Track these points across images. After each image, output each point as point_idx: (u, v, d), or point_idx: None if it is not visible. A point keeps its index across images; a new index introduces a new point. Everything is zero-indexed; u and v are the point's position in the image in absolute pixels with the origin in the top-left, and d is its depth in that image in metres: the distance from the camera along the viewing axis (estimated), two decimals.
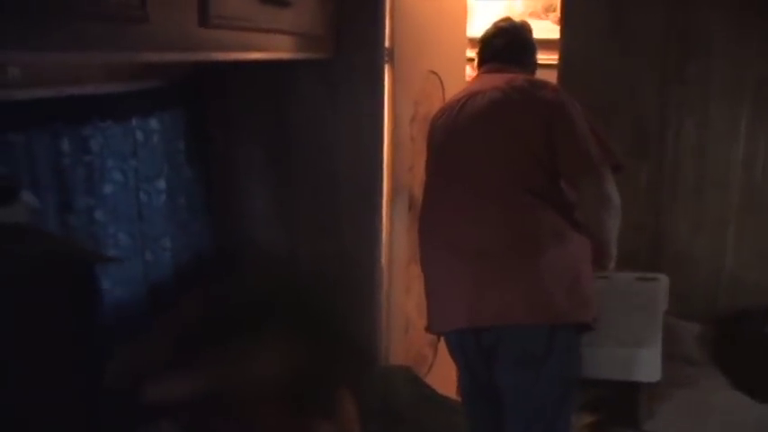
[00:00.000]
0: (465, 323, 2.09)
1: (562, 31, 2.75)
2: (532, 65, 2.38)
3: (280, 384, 2.48)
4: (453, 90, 2.45)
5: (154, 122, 2.48)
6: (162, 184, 2.52)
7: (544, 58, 2.51)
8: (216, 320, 2.82)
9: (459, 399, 2.47)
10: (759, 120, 2.68)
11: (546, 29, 2.92)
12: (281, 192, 3.05)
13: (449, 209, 2.19)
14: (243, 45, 1.98)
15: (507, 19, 2.50)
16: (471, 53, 3.49)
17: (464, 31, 3.43)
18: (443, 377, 3.53)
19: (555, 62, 2.76)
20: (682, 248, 2.82)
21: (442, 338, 3.14)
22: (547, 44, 2.57)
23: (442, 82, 3.23)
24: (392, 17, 2.89)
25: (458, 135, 2.21)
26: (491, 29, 2.45)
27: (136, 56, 1.44)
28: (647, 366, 2.41)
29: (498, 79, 2.21)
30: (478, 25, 2.58)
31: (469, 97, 2.22)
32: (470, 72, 3.70)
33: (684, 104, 2.70)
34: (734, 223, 2.77)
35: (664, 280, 2.47)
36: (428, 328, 2.32)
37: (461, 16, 3.40)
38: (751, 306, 2.77)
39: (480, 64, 2.43)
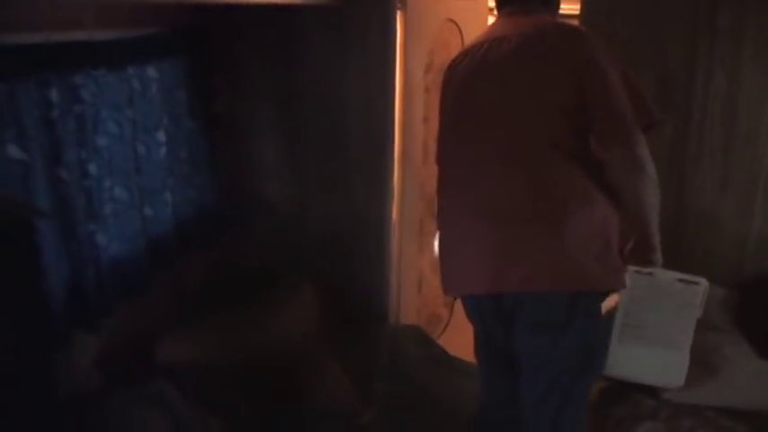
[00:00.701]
0: (486, 288, 1.97)
1: None
2: (557, 3, 2.20)
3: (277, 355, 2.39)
4: (473, 38, 2.28)
5: (152, 71, 2.38)
6: (161, 136, 2.42)
7: (566, 8, 2.34)
8: (221, 283, 2.76)
9: (474, 361, 2.38)
10: None
11: None
12: (288, 145, 2.96)
13: (469, 165, 2.04)
14: None
15: None
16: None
17: None
18: (460, 339, 3.43)
19: (577, 12, 2.58)
20: (706, 208, 2.67)
21: (458, 299, 3.06)
22: None
23: (461, 30, 3.08)
24: None
25: (479, 85, 2.03)
26: None
27: None
28: (673, 371, 2.33)
29: (524, 24, 2.02)
30: None
31: (492, 43, 2.04)
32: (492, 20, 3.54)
33: (715, 55, 2.51)
34: (763, 183, 2.61)
35: (704, 285, 2.34)
36: (444, 290, 2.20)
37: None
38: None
39: (501, 4, 2.23)
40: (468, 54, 2.12)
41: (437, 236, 2.19)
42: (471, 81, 2.06)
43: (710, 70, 2.54)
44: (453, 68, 2.18)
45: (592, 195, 1.88)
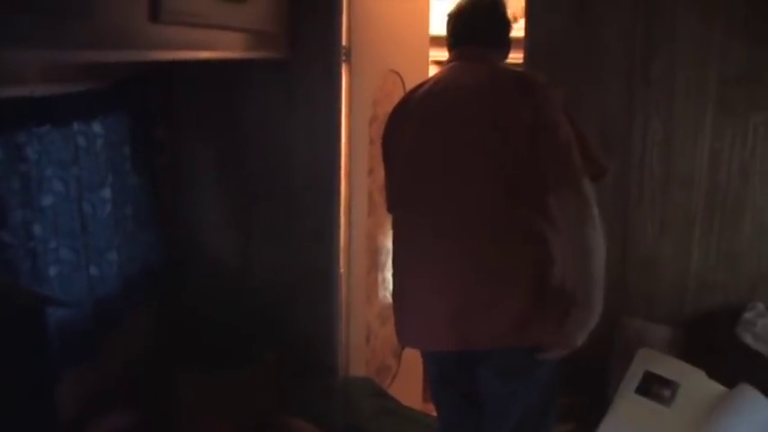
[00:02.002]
0: (455, 346, 1.97)
1: (526, 28, 2.65)
2: (508, 45, 2.23)
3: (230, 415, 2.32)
4: None
5: (97, 126, 2.30)
6: (107, 193, 2.34)
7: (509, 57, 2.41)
8: (168, 343, 2.66)
9: (426, 410, 2.36)
10: (723, 119, 2.63)
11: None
12: (233, 197, 2.91)
13: (427, 215, 2.04)
14: (195, 43, 1.84)
15: None
16: (435, 53, 3.40)
17: (426, 27, 3.32)
18: (409, 388, 3.43)
19: (520, 60, 2.66)
20: (647, 250, 2.76)
21: (405, 348, 3.04)
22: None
23: (403, 81, 3.12)
24: (349, 15, 2.77)
25: (436, 136, 2.00)
26: (465, 3, 2.17)
27: (79, 55, 1.28)
28: None
29: (479, 73, 2.05)
30: (441, 23, 2.45)
31: (446, 93, 2.05)
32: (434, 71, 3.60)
33: (650, 102, 2.64)
34: (699, 225, 2.72)
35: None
36: (401, 341, 2.18)
37: (423, 14, 3.29)
38: (718, 308, 2.74)
39: (453, 45, 2.19)
40: (417, 100, 2.12)
41: (391, 284, 2.18)
42: (427, 130, 2.05)
43: (647, 119, 2.65)
44: (400, 113, 2.18)
45: (546, 256, 1.92)
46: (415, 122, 2.09)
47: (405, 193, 2.11)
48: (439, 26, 2.57)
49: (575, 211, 1.84)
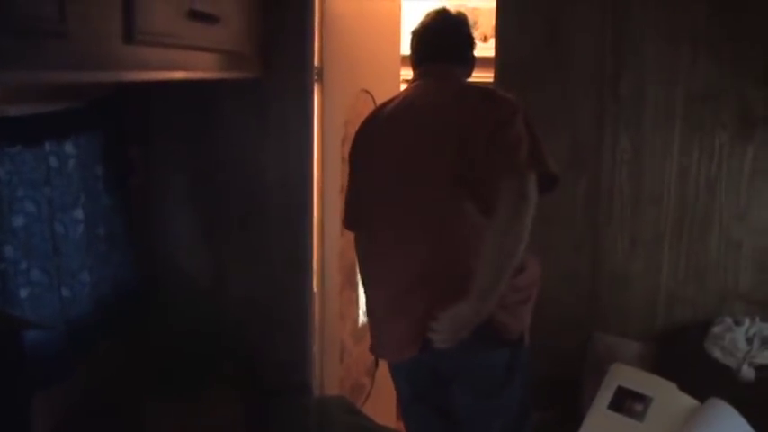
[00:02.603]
0: (421, 351, 1.98)
1: (496, 46, 2.70)
2: (473, 62, 2.27)
3: None
4: None
5: (69, 146, 2.28)
6: (79, 213, 2.32)
7: (480, 75, 2.45)
8: (138, 368, 2.64)
9: (398, 428, 2.36)
10: (690, 135, 2.69)
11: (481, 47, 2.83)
12: (206, 216, 2.90)
13: (389, 230, 2.08)
14: (168, 63, 1.84)
15: (444, 10, 2.28)
16: (407, 72, 3.42)
17: (398, 48, 3.36)
18: (382, 406, 3.42)
19: (491, 79, 2.70)
20: (618, 266, 2.80)
21: (379, 366, 3.04)
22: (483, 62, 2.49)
23: (375, 101, 3.14)
24: (321, 35, 2.79)
25: (400, 152, 2.06)
26: (429, 20, 2.23)
27: (52, 76, 1.28)
28: None
29: (446, 90, 2.08)
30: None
31: (411, 112, 2.08)
32: None
33: (619, 119, 2.69)
34: (668, 240, 2.77)
35: None
36: (376, 354, 2.20)
37: (395, 34, 3.33)
38: (688, 323, 2.78)
39: (418, 63, 2.24)
40: (384, 118, 2.15)
41: (363, 301, 2.21)
42: (393, 146, 2.09)
43: (616, 136, 2.70)
44: (367, 130, 2.20)
45: None
46: (382, 139, 2.13)
47: (369, 208, 2.14)
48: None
49: (508, 200, 1.85)
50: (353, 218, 2.23)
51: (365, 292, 2.22)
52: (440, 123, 2.01)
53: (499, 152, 1.91)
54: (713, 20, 2.62)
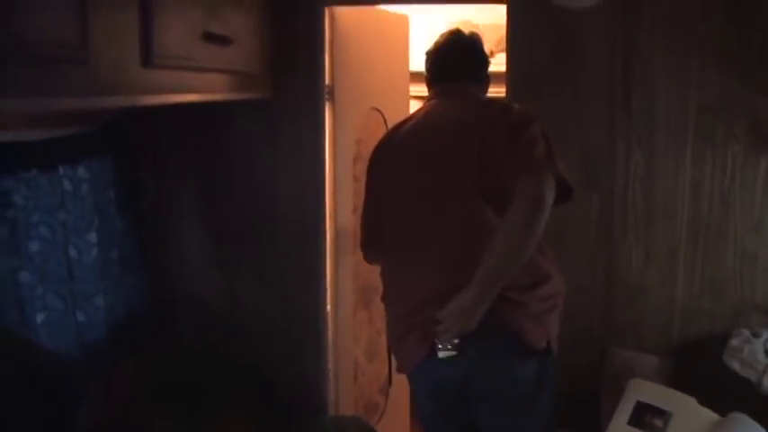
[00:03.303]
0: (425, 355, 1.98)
1: (507, 63, 2.69)
2: (488, 79, 2.28)
3: None
4: None
5: (82, 170, 2.29)
6: (93, 237, 2.32)
7: (490, 90, 2.45)
8: (156, 387, 2.62)
9: None
10: (703, 148, 2.68)
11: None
12: (218, 237, 2.89)
13: (415, 250, 2.07)
14: (183, 86, 1.84)
15: (457, 30, 2.31)
16: (415, 88, 3.44)
17: (406, 66, 3.36)
18: (396, 424, 3.40)
19: (502, 94, 2.70)
20: (633, 280, 2.78)
21: (392, 384, 3.02)
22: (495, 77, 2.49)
23: (385, 119, 3.15)
24: (332, 54, 2.80)
25: (424, 171, 2.05)
26: (443, 41, 2.26)
27: (74, 102, 1.28)
28: None
29: (464, 107, 2.08)
30: (420, 60, 2.50)
31: (431, 130, 2.08)
32: (415, 107, 3.63)
33: (631, 134, 2.68)
34: (683, 253, 2.75)
35: None
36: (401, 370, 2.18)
37: (403, 51, 3.34)
38: (705, 336, 2.76)
39: (434, 81, 2.26)
40: (403, 136, 2.15)
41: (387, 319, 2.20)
42: (414, 165, 2.08)
43: (629, 150, 2.69)
44: (385, 149, 2.20)
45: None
46: (402, 157, 2.13)
47: (390, 226, 2.13)
48: (418, 62, 2.62)
49: (523, 200, 1.84)
50: (373, 239, 2.22)
51: (386, 309, 2.22)
52: (462, 137, 2.02)
53: (516, 152, 1.92)
54: (722, 33, 2.61)
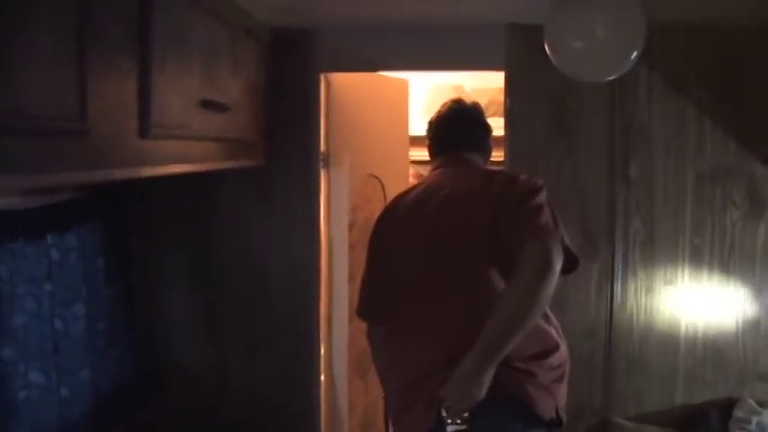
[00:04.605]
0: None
1: (506, 131, 2.68)
2: (490, 148, 2.27)
3: None
4: (395, 193, 2.29)
5: (71, 238, 2.21)
6: (80, 308, 2.23)
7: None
8: None
9: None
10: (702, 214, 2.67)
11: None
12: (209, 307, 2.81)
13: (415, 322, 2.01)
14: (180, 156, 1.79)
15: (459, 100, 2.29)
16: (414, 153, 3.41)
17: (406, 131, 3.34)
18: None
19: (501, 159, 2.68)
20: (634, 349, 2.73)
21: None
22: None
23: (383, 186, 3.11)
24: (327, 120, 2.78)
25: (432, 245, 2.00)
26: (446, 111, 2.24)
27: (71, 176, 1.22)
28: None
29: (470, 177, 2.06)
30: (416, 124, 2.48)
31: (438, 198, 2.05)
32: (414, 173, 3.61)
33: (630, 202, 2.67)
34: (684, 320, 2.71)
35: None
36: None
37: (402, 117, 3.32)
38: (708, 405, 2.69)
39: (438, 151, 2.23)
40: (408, 207, 2.11)
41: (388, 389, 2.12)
42: (420, 236, 2.04)
43: (628, 217, 2.67)
44: (388, 219, 2.15)
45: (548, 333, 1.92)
46: (407, 226, 2.09)
47: (393, 296, 2.08)
48: (417, 126, 2.60)
49: (529, 263, 1.78)
50: (374, 309, 2.15)
51: (383, 381, 2.14)
52: (470, 206, 1.98)
53: (523, 219, 1.89)
54: (718, 101, 2.63)
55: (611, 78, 2.23)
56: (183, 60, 1.74)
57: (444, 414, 1.83)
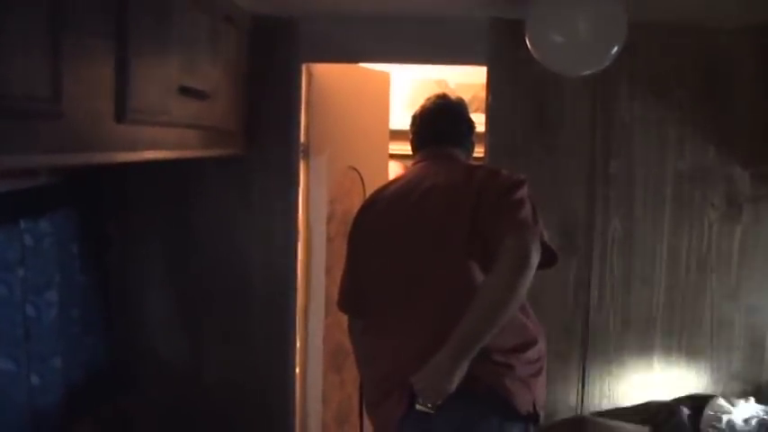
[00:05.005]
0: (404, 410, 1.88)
1: (487, 128, 2.68)
2: (473, 144, 2.27)
3: None
4: (375, 186, 2.27)
5: (45, 224, 2.17)
6: (53, 295, 2.19)
7: None
8: None
9: None
10: (680, 215, 2.68)
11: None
12: (185, 296, 2.78)
13: (395, 313, 2.00)
14: (157, 142, 1.77)
15: (444, 95, 2.30)
16: (394, 147, 3.40)
17: (386, 124, 3.33)
18: None
19: (481, 155, 2.67)
20: (610, 347, 2.74)
21: None
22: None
23: (362, 178, 3.09)
24: (308, 111, 2.76)
25: (413, 235, 2.01)
26: (431, 106, 2.24)
27: (46, 158, 1.19)
28: None
29: (451, 171, 2.06)
30: (399, 118, 2.46)
31: (417, 194, 2.04)
32: (394, 167, 3.59)
33: (610, 200, 2.67)
34: (660, 321, 2.72)
35: None
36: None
37: (383, 110, 3.30)
38: (681, 404, 2.71)
39: (421, 145, 2.22)
40: (388, 200, 2.10)
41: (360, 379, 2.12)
42: (400, 229, 2.03)
43: (607, 217, 2.68)
44: (369, 211, 2.15)
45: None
46: (389, 219, 2.08)
47: (374, 288, 2.07)
48: (399, 120, 2.58)
49: (508, 257, 1.79)
50: (355, 301, 2.14)
51: (361, 373, 2.13)
52: (451, 197, 1.98)
53: (504, 212, 1.89)
54: (699, 101, 2.64)
55: (590, 72, 2.24)
56: (162, 46, 1.71)
57: (417, 401, 1.83)
